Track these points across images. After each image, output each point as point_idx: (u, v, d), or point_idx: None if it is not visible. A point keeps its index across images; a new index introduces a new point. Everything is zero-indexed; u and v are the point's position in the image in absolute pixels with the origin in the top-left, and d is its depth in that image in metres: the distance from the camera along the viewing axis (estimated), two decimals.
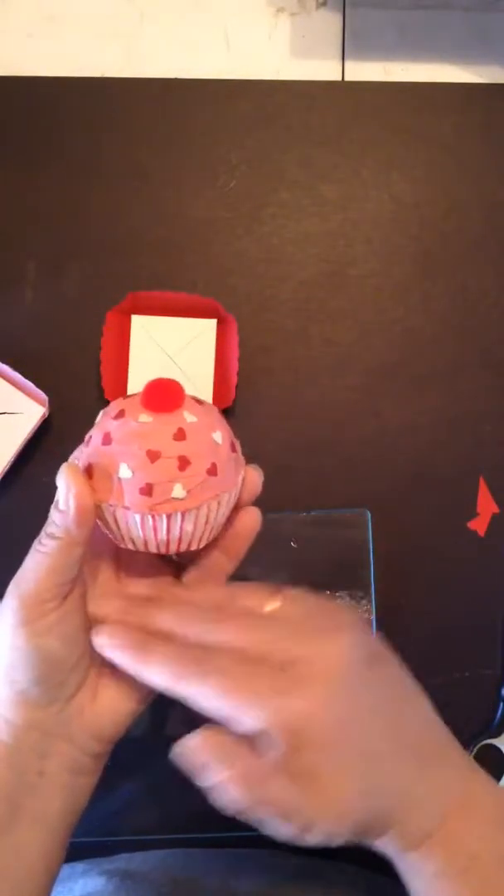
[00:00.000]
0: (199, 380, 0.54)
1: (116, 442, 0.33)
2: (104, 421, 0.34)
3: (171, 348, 0.54)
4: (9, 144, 0.56)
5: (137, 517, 0.33)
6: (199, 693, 0.31)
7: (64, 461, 0.35)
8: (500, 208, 0.56)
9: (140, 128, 0.57)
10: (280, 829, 0.31)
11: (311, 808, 0.31)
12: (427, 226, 0.56)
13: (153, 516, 0.33)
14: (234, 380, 0.53)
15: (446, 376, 0.55)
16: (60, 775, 0.34)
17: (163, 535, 0.34)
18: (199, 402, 0.35)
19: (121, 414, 0.34)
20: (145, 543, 0.34)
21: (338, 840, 0.31)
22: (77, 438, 0.36)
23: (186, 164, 0.56)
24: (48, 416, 0.52)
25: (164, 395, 0.34)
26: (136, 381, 0.53)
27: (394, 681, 0.33)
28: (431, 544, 0.53)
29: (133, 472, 0.33)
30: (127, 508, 0.33)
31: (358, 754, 0.31)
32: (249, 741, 0.31)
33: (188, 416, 0.34)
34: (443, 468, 0.54)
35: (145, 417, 0.33)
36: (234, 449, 0.35)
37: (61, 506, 0.33)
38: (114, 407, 0.35)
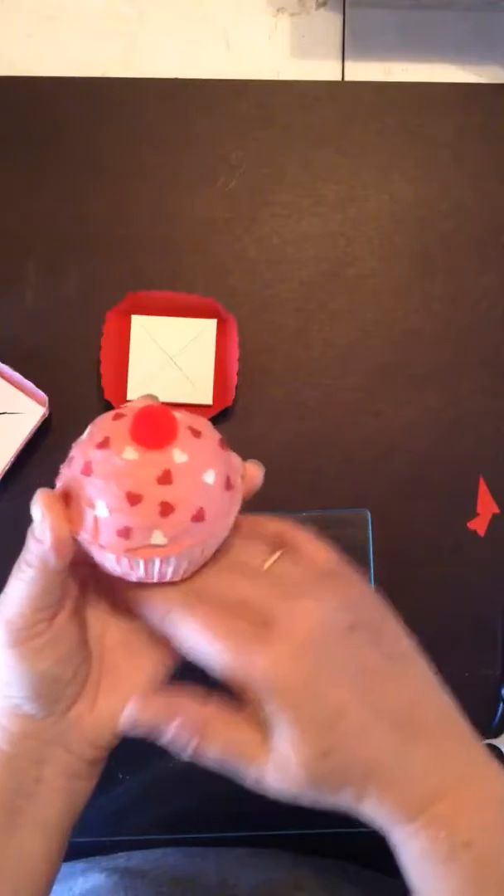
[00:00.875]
0: (199, 380, 0.54)
1: (96, 475, 0.30)
2: (87, 446, 0.31)
3: (171, 348, 0.54)
4: (9, 144, 0.56)
5: (112, 557, 0.31)
6: (180, 631, 0.32)
7: (63, 462, 0.35)
8: (500, 208, 0.56)
9: (140, 128, 0.57)
10: (238, 774, 0.32)
11: (258, 758, 0.31)
12: (427, 226, 0.56)
13: (129, 559, 0.31)
14: (234, 380, 0.53)
15: (446, 376, 0.55)
16: (58, 781, 0.34)
17: (140, 573, 0.32)
18: (195, 432, 0.32)
19: (105, 443, 0.31)
20: (122, 575, 0.32)
21: (302, 797, 0.31)
22: (77, 438, 0.35)
23: (186, 164, 0.56)
24: (48, 416, 0.52)
25: (155, 428, 0.31)
26: (136, 381, 0.53)
27: (384, 651, 0.33)
28: (431, 544, 0.53)
29: (110, 513, 0.30)
30: (102, 547, 0.31)
31: (320, 716, 0.31)
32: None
33: (178, 456, 0.30)
34: (443, 468, 0.54)
35: (130, 453, 0.30)
36: (228, 486, 0.32)
37: (37, 534, 0.31)
38: (99, 431, 0.32)
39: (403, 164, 0.57)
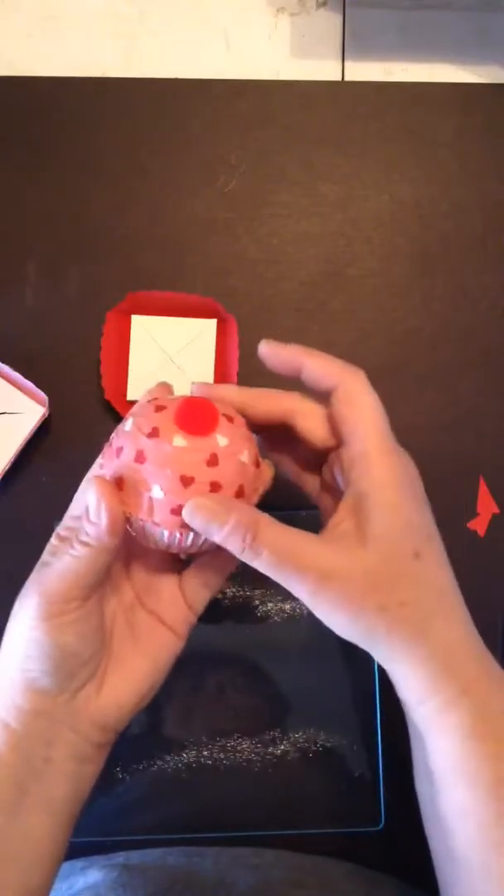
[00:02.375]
0: (199, 380, 0.53)
1: (150, 462, 0.34)
2: (136, 437, 0.34)
3: (171, 348, 0.54)
4: (9, 144, 0.56)
5: (165, 532, 0.34)
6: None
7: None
8: (500, 208, 0.56)
9: (140, 128, 0.57)
10: (292, 581, 0.32)
11: (321, 565, 0.32)
12: (427, 226, 0.56)
13: (181, 533, 0.34)
14: (234, 380, 0.53)
15: (446, 376, 0.55)
16: (65, 762, 0.35)
17: (186, 545, 0.35)
18: (229, 419, 0.35)
19: (154, 433, 0.34)
20: (167, 548, 0.35)
21: (343, 625, 0.32)
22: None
23: (186, 164, 0.56)
24: (48, 416, 0.52)
25: (200, 417, 0.34)
26: (136, 381, 0.53)
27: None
28: None
29: (165, 494, 0.33)
30: (157, 525, 0.34)
31: (419, 524, 0.34)
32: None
33: (220, 440, 0.34)
34: (443, 468, 0.54)
35: (180, 441, 0.34)
36: (257, 464, 0.36)
37: (93, 518, 0.34)
38: (146, 422, 0.35)
39: (403, 164, 0.57)
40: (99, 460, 0.37)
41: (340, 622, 0.32)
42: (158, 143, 0.57)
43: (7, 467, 0.51)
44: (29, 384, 0.51)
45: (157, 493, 0.33)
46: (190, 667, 0.48)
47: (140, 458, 0.34)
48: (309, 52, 0.59)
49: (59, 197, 0.56)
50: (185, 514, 0.33)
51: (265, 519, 0.33)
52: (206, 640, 0.49)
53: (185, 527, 0.34)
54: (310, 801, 0.49)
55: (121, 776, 0.48)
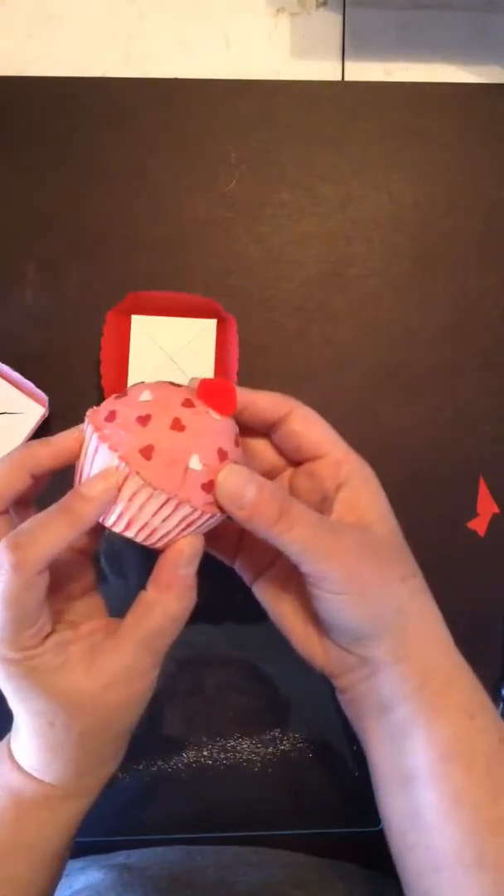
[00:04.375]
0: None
1: (190, 430, 0.31)
2: (169, 405, 0.32)
3: (171, 348, 0.54)
4: (9, 144, 0.56)
5: (186, 510, 0.31)
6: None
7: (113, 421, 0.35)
8: (500, 208, 0.56)
9: (140, 128, 0.57)
10: (316, 561, 0.32)
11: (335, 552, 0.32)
12: (427, 226, 0.56)
13: (201, 513, 0.32)
14: (234, 380, 0.53)
15: (446, 376, 0.55)
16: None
17: (177, 531, 0.32)
18: None
19: (189, 404, 0.32)
20: (151, 533, 0.32)
21: (371, 606, 0.32)
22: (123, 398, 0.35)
23: (186, 164, 0.56)
24: (48, 416, 0.52)
25: (223, 396, 0.33)
26: (137, 382, 0.53)
27: None
28: (431, 544, 0.53)
29: (202, 467, 0.31)
30: (181, 501, 0.31)
31: (400, 552, 0.34)
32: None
33: (235, 424, 0.34)
34: (443, 468, 0.54)
35: (215, 415, 0.33)
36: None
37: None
38: (172, 394, 0.33)
39: (403, 164, 0.57)
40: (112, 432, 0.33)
41: (371, 602, 0.32)
42: (158, 143, 0.57)
43: None
44: (29, 384, 0.51)
45: (195, 464, 0.31)
46: (190, 667, 0.49)
47: (178, 425, 0.31)
48: (309, 52, 0.59)
49: (59, 197, 0.56)
50: (223, 475, 0.31)
51: (296, 504, 0.32)
52: (206, 641, 0.49)
53: (209, 507, 0.32)
54: (310, 801, 0.49)
55: (121, 776, 0.48)
